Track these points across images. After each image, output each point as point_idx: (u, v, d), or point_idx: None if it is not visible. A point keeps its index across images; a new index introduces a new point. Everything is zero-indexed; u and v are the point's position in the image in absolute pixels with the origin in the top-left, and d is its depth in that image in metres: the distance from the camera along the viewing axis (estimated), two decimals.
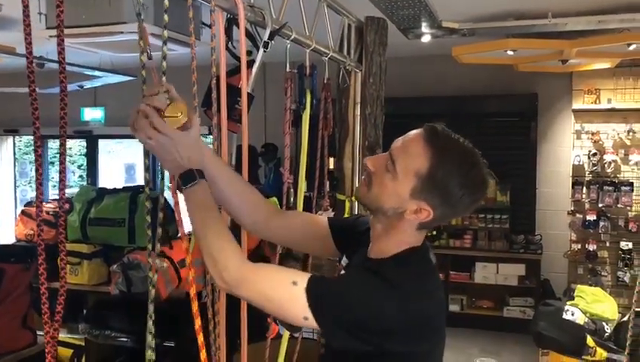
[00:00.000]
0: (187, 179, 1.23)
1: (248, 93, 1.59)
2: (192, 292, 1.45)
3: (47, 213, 3.78)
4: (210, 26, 1.51)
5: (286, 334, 2.28)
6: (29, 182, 10.36)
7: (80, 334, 3.58)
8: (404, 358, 1.24)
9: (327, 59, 2.39)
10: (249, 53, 1.76)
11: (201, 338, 1.42)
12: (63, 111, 0.96)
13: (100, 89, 6.91)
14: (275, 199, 3.51)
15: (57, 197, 4.57)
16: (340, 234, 1.49)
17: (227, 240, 1.23)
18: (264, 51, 1.72)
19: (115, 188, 3.87)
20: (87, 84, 5.50)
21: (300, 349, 2.44)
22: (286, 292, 1.19)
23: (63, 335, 3.89)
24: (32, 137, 6.93)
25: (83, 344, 3.71)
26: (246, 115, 1.54)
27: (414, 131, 1.28)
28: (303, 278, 1.19)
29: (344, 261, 1.46)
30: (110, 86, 5.56)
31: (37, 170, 1.11)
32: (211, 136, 1.62)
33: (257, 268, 1.24)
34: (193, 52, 1.42)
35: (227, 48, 1.61)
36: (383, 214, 1.28)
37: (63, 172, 1.02)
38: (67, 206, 3.89)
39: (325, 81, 2.38)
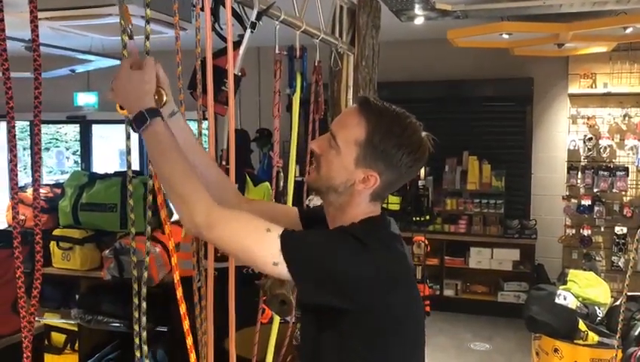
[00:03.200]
0: (138, 121, 1.22)
1: (235, 75, 1.55)
2: (176, 278, 1.44)
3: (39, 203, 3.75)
4: (194, 5, 1.47)
5: (277, 319, 2.27)
6: (24, 168, 10.33)
7: (73, 319, 3.57)
8: (373, 319, 1.24)
9: (318, 41, 2.36)
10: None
11: (186, 325, 1.41)
12: (38, 90, 0.93)
13: (92, 73, 6.85)
14: (267, 184, 3.50)
15: (50, 182, 4.52)
16: (310, 223, 1.48)
17: (195, 181, 1.22)
18: (251, 32, 1.69)
19: (106, 173, 3.84)
20: (79, 68, 5.45)
21: (290, 334, 2.43)
22: (259, 237, 1.20)
23: (56, 321, 3.88)
24: (24, 123, 6.87)
25: (76, 329, 3.71)
26: (233, 97, 1.51)
27: (350, 106, 1.33)
28: (276, 227, 1.21)
29: None
30: (103, 70, 5.50)
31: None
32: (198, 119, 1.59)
33: (230, 213, 1.24)
34: (177, 32, 1.39)
35: (213, 29, 1.57)
36: (335, 191, 1.32)
37: (38, 153, 0.99)
38: (44, 190, 3.87)
39: (316, 64, 2.35)
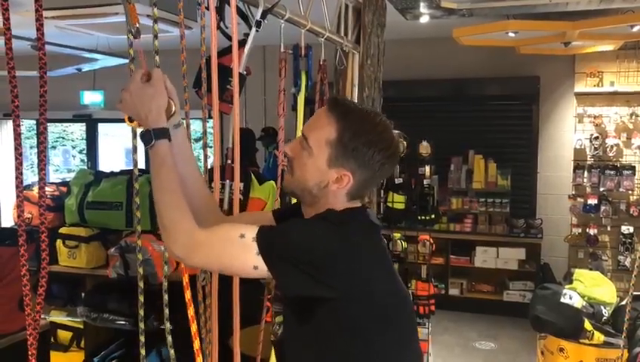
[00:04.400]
0: (144, 139, 1.26)
1: (240, 74, 1.56)
2: (185, 280, 1.44)
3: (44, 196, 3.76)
4: (200, 4, 1.47)
5: (281, 317, 2.27)
6: (31, 166, 10.37)
7: (79, 317, 3.59)
8: (355, 309, 1.23)
9: (323, 40, 2.36)
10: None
11: (194, 328, 1.41)
12: (43, 89, 0.94)
13: (99, 72, 6.87)
14: (272, 183, 3.50)
15: (56, 180, 4.56)
16: (287, 219, 1.48)
17: (180, 209, 1.24)
18: (256, 31, 1.69)
19: (112, 172, 3.85)
20: (86, 67, 5.46)
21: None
22: (235, 247, 1.21)
23: (62, 318, 3.91)
24: (32, 121, 6.92)
25: (82, 327, 3.72)
26: (238, 95, 1.52)
27: (321, 108, 1.35)
28: (250, 229, 1.22)
29: None
30: (109, 69, 5.52)
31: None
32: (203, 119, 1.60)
33: (206, 235, 1.24)
34: (182, 31, 1.39)
35: (219, 27, 1.58)
36: (309, 194, 1.33)
37: (43, 152, 0.99)
38: (50, 188, 3.88)
39: (321, 63, 2.35)
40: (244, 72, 2.16)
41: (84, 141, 9.10)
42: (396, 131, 1.33)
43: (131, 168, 1.40)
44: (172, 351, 1.36)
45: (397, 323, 1.32)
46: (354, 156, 1.27)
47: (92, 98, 7.87)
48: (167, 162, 1.26)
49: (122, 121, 1.29)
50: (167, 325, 1.39)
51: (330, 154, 1.28)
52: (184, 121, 1.40)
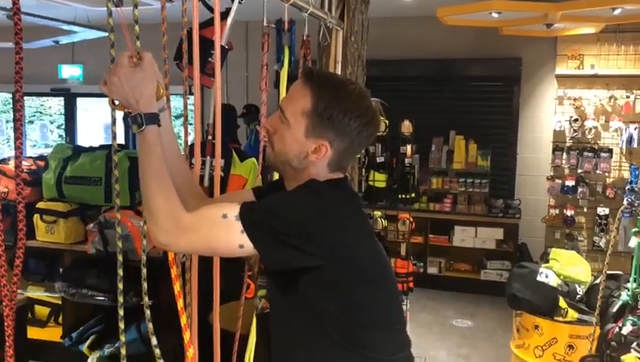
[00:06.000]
0: (135, 122, 1.23)
1: (222, 47, 1.53)
2: (170, 256, 1.44)
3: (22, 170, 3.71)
4: None
5: (263, 291, 2.28)
6: (7, 141, 10.18)
7: (57, 293, 3.57)
8: (339, 272, 1.24)
9: (307, 14, 2.33)
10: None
11: (180, 304, 1.41)
12: (19, 56, 0.91)
13: (77, 45, 6.74)
14: (253, 160, 3.48)
15: (33, 155, 4.45)
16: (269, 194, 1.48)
17: (166, 196, 1.22)
18: (239, 2, 1.66)
19: (91, 147, 3.80)
20: (64, 40, 5.35)
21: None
22: (220, 228, 1.21)
23: (39, 294, 3.87)
24: (8, 95, 6.78)
25: (60, 302, 3.70)
26: (219, 68, 1.49)
27: (296, 81, 1.35)
28: (233, 208, 1.21)
29: None
30: (88, 42, 5.41)
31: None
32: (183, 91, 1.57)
33: (190, 219, 1.23)
34: (163, 1, 1.36)
35: None
36: (291, 166, 1.33)
37: (19, 121, 0.97)
38: (27, 162, 3.82)
39: (305, 38, 2.32)
40: (226, 46, 2.13)
41: (63, 116, 8.94)
42: (374, 99, 1.32)
43: (111, 143, 1.37)
44: (150, 325, 1.35)
45: (381, 283, 1.34)
46: (330, 125, 1.28)
47: (70, 72, 7.72)
48: (157, 148, 1.24)
49: (102, 96, 1.26)
50: (146, 299, 1.39)
51: (307, 124, 1.28)
52: (167, 108, 1.37)
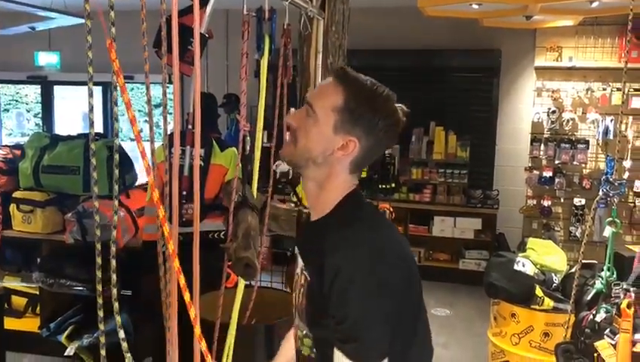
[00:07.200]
0: None
1: (202, 34, 1.52)
2: (164, 245, 1.42)
3: None
4: None
5: (242, 282, 2.28)
6: None
7: (34, 283, 3.53)
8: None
9: (287, 3, 2.32)
10: None
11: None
12: None
13: (54, 32, 6.62)
14: (234, 149, 3.47)
15: (9, 143, 4.38)
16: None
17: None
18: None
19: (69, 135, 3.75)
20: (40, 26, 5.26)
21: (255, 297, 2.45)
22: None
23: (16, 284, 3.83)
24: None
25: (37, 293, 3.66)
26: (199, 55, 1.48)
27: (326, 78, 1.37)
28: (342, 357, 1.23)
29: (298, 255, 1.48)
30: (65, 29, 5.31)
31: None
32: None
33: None
34: None
35: None
36: (314, 163, 1.32)
37: None
38: (3, 151, 3.77)
39: (285, 27, 2.31)
40: (206, 34, 2.12)
41: (40, 104, 8.80)
42: (398, 105, 1.33)
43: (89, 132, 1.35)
44: (118, 318, 1.35)
45: (421, 332, 1.41)
46: (360, 123, 1.28)
47: (47, 59, 7.57)
48: None
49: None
50: (114, 291, 1.38)
51: (337, 120, 1.28)
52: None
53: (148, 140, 1.64)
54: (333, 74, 1.35)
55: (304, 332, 1.37)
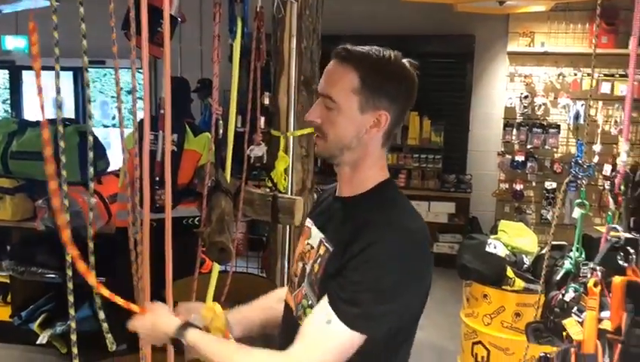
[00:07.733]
0: (176, 345, 1.34)
1: (172, 16, 1.50)
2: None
3: None
4: None
5: (216, 268, 2.28)
6: None
7: (5, 271, 3.48)
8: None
9: None
10: None
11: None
12: None
13: (21, 15, 6.45)
14: (207, 135, 3.44)
15: None
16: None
17: (250, 356, 1.25)
18: None
19: (38, 121, 3.68)
20: (6, 9, 5.12)
21: (230, 283, 2.45)
22: (330, 340, 1.19)
23: None
24: None
25: (8, 281, 3.61)
26: (169, 36, 1.46)
27: (328, 65, 1.32)
28: (325, 310, 1.21)
29: (312, 227, 1.44)
30: (33, 11, 5.19)
31: None
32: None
33: (297, 352, 1.22)
34: None
35: None
36: (349, 149, 1.30)
37: None
38: None
39: (258, 10, 2.29)
40: (178, 17, 2.09)
41: (8, 90, 8.59)
42: (406, 60, 1.30)
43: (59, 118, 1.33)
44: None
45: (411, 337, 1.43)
46: (382, 94, 1.26)
47: (15, 43, 7.39)
48: (205, 344, 1.30)
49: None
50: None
51: (360, 100, 1.26)
52: None
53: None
54: (335, 56, 1.31)
55: (309, 302, 1.33)
